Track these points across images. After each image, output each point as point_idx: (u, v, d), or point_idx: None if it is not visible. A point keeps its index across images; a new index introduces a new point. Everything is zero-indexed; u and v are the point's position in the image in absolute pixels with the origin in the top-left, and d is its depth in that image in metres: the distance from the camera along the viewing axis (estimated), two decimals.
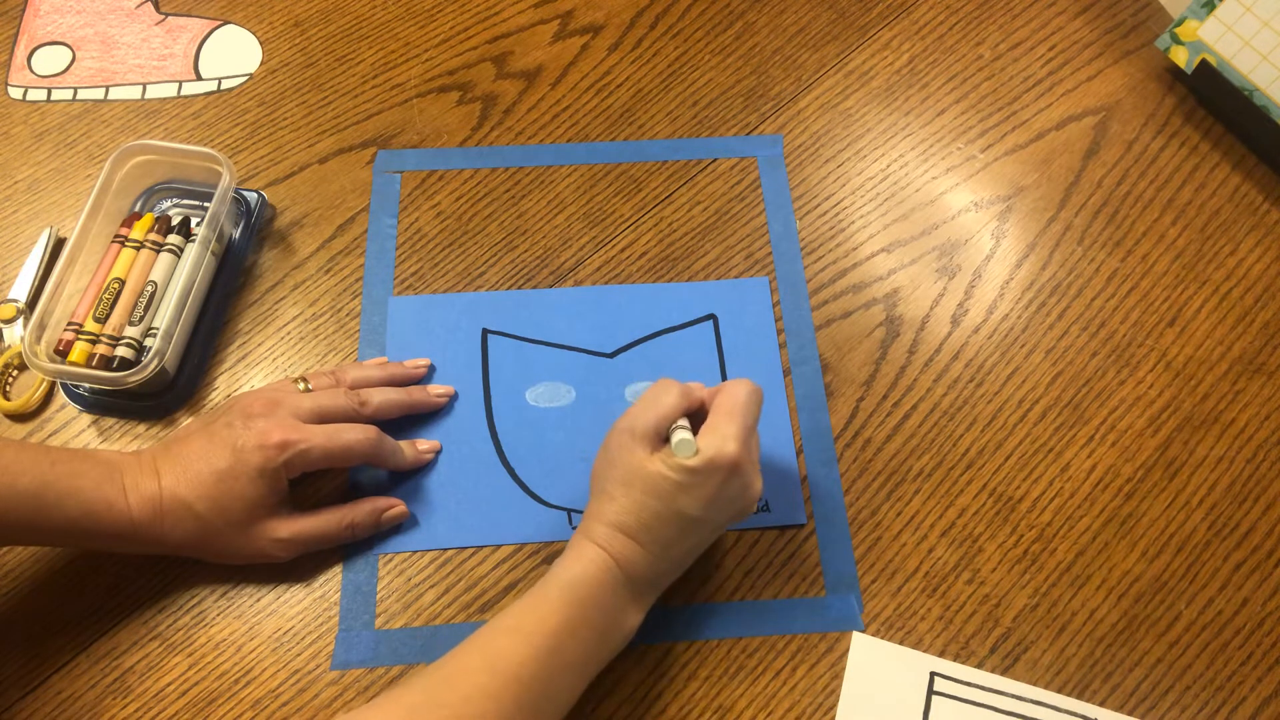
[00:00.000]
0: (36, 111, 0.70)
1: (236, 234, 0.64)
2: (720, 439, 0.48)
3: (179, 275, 0.60)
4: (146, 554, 0.53)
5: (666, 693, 0.53)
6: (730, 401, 0.50)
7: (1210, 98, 0.72)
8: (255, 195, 0.65)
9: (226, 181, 0.60)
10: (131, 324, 0.59)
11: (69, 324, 0.58)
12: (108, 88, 0.71)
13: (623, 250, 0.66)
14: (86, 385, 0.59)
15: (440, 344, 0.62)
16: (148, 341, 0.59)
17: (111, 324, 0.58)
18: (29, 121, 0.70)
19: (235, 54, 0.73)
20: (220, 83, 0.72)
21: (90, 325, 0.58)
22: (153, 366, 0.55)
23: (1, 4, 0.75)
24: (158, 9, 0.75)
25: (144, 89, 0.71)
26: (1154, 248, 0.67)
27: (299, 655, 0.53)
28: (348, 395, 0.55)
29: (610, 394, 0.60)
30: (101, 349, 0.58)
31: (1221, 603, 0.56)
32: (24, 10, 0.75)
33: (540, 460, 0.58)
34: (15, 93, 0.71)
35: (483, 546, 0.56)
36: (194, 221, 0.63)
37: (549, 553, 0.56)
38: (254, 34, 0.74)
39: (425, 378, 0.60)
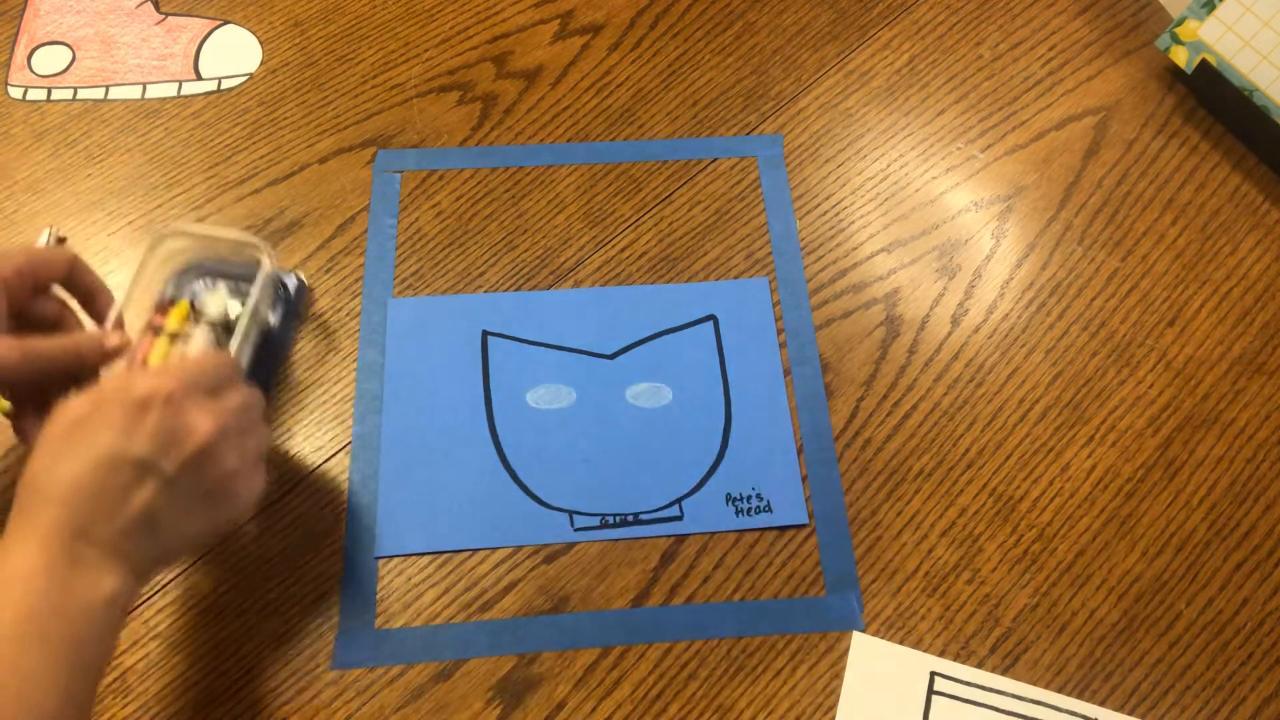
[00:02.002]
0: (36, 111, 0.70)
1: (274, 319, 0.59)
2: (153, 371, 0.45)
3: None
4: None
5: (666, 692, 0.53)
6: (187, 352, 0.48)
7: (1210, 98, 0.72)
8: (294, 279, 0.60)
9: (267, 268, 0.55)
10: None
11: None
12: (108, 87, 0.71)
13: (623, 250, 0.66)
14: None
15: (440, 346, 0.62)
16: None
17: None
18: (29, 121, 0.70)
19: (235, 54, 0.73)
20: (220, 82, 0.72)
21: None
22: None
23: (1, 4, 0.75)
24: (158, 9, 0.75)
25: (144, 89, 0.71)
26: (1154, 248, 0.67)
27: (299, 655, 0.53)
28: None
29: (611, 395, 0.60)
30: None
31: (1221, 603, 0.56)
32: (24, 10, 0.75)
33: (541, 462, 0.58)
34: (15, 92, 0.71)
35: (483, 547, 0.56)
36: (230, 307, 0.57)
37: (549, 553, 0.56)
38: (254, 34, 0.74)
39: (424, 374, 0.60)
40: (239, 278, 0.59)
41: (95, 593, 0.40)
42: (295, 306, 0.61)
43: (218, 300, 0.56)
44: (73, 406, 0.43)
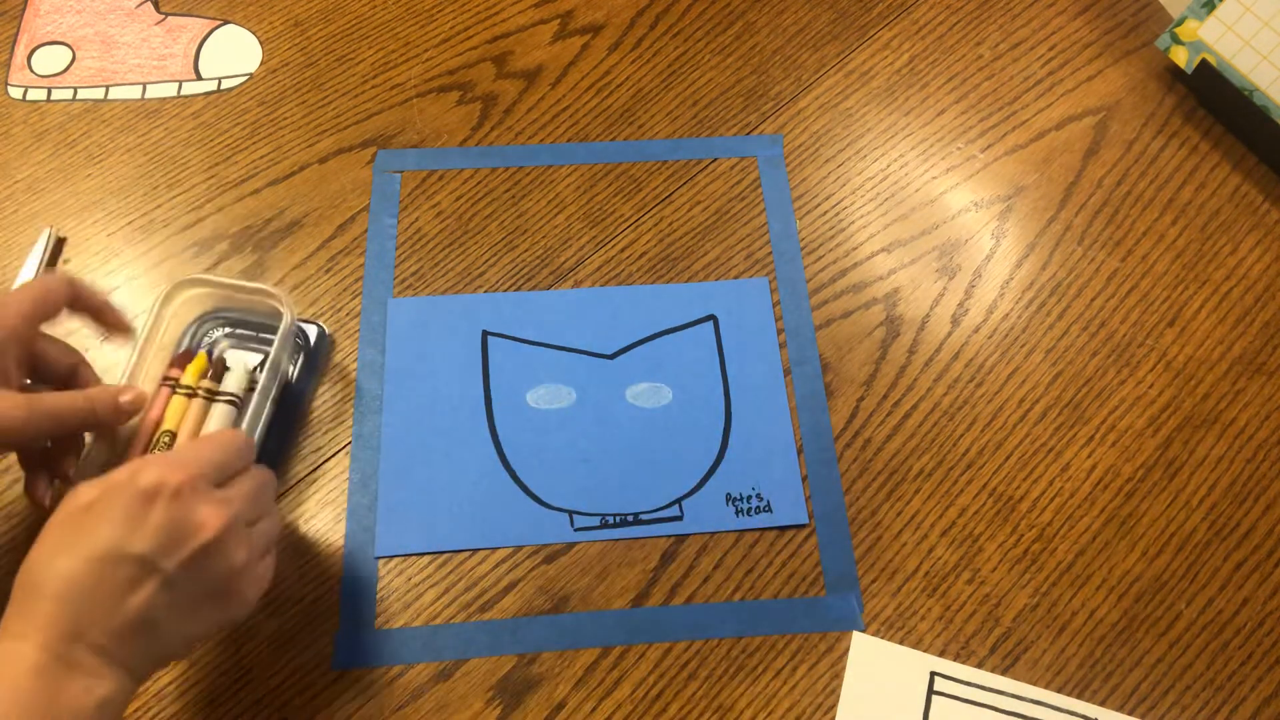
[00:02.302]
0: (36, 111, 0.70)
1: (294, 371, 0.59)
2: (163, 461, 0.42)
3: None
4: None
5: (666, 692, 0.53)
6: (200, 437, 0.46)
7: (1210, 98, 0.72)
8: (315, 329, 0.60)
9: (288, 322, 0.54)
10: None
11: None
12: (108, 87, 0.71)
13: (623, 250, 0.66)
14: None
15: (440, 346, 0.62)
16: None
17: None
18: (29, 121, 0.70)
19: (235, 54, 0.73)
20: (220, 82, 0.72)
21: None
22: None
23: (1, 4, 0.75)
24: (158, 9, 0.75)
25: (144, 89, 0.71)
26: (1154, 248, 0.67)
27: (299, 655, 0.53)
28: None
29: (611, 395, 0.60)
30: None
31: (1221, 602, 0.56)
32: (24, 10, 0.75)
33: (541, 462, 0.58)
34: (15, 93, 0.71)
35: (483, 547, 0.56)
36: (248, 362, 0.56)
37: (549, 553, 0.56)
38: (254, 34, 0.74)
39: (424, 374, 0.60)
40: (258, 327, 0.59)
41: (88, 699, 0.39)
42: (315, 359, 0.60)
43: (238, 366, 0.55)
44: (79, 495, 0.41)
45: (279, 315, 0.56)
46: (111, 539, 0.40)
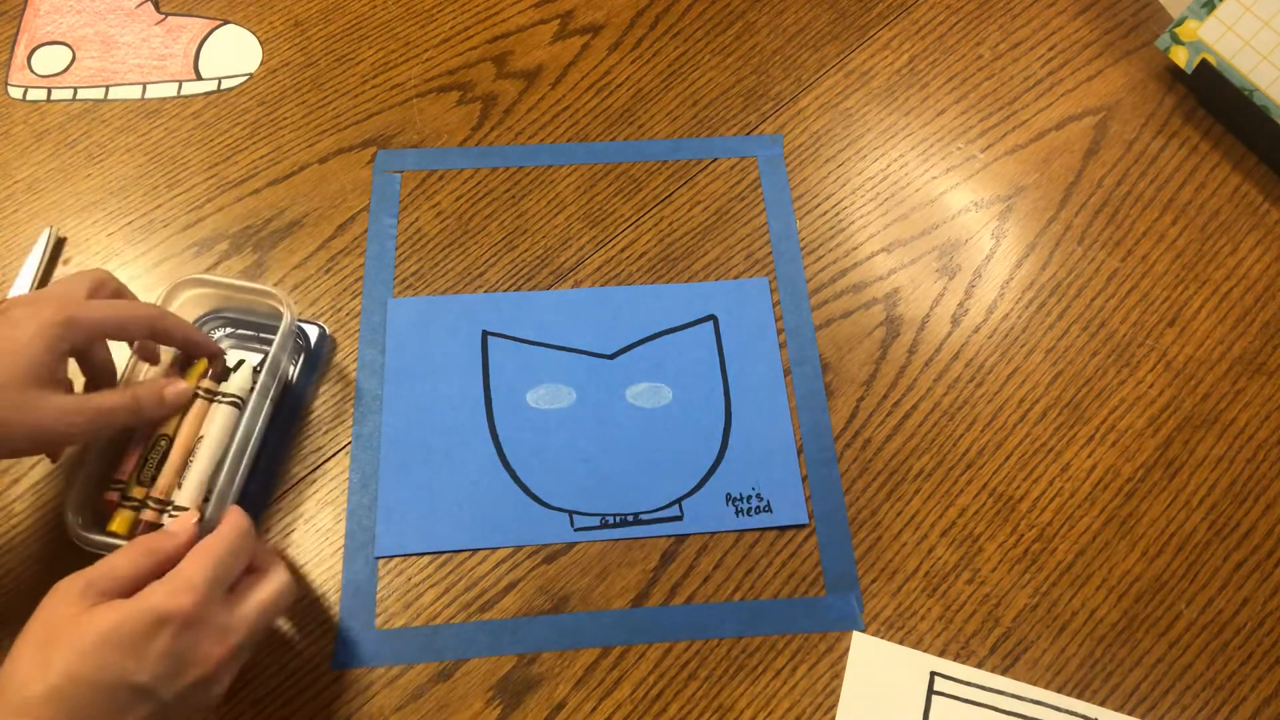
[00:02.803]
0: (36, 111, 0.70)
1: (294, 371, 0.59)
2: (173, 585, 0.42)
3: (236, 431, 0.53)
4: None
5: (666, 692, 0.53)
6: (206, 543, 0.44)
7: (1210, 98, 0.72)
8: (316, 329, 0.60)
9: (288, 322, 0.54)
10: (180, 487, 0.51)
11: (114, 482, 0.51)
12: (108, 87, 0.71)
13: (623, 250, 0.66)
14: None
15: (440, 346, 0.62)
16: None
17: (159, 486, 0.51)
18: (29, 121, 0.70)
19: (235, 54, 0.73)
20: (220, 82, 0.72)
21: (135, 489, 0.51)
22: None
23: (1, 4, 0.75)
24: (158, 9, 0.75)
25: (144, 89, 0.71)
26: (1154, 248, 0.67)
27: (299, 655, 0.53)
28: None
29: (611, 395, 0.60)
30: (148, 515, 0.51)
31: (1221, 603, 0.56)
32: (24, 10, 0.75)
33: (541, 462, 0.58)
34: (15, 92, 0.71)
35: (483, 547, 0.56)
36: (248, 361, 0.56)
37: (549, 553, 0.56)
38: (254, 34, 0.74)
39: (424, 374, 0.60)
40: (258, 326, 0.59)
41: None
42: (315, 359, 0.60)
43: (243, 369, 0.55)
44: (96, 616, 0.40)
45: (279, 315, 0.56)
46: (116, 668, 0.39)
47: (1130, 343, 0.63)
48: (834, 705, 0.52)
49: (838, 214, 0.67)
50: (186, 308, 0.58)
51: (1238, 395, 0.62)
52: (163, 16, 0.75)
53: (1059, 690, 0.53)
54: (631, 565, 0.56)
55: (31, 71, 0.72)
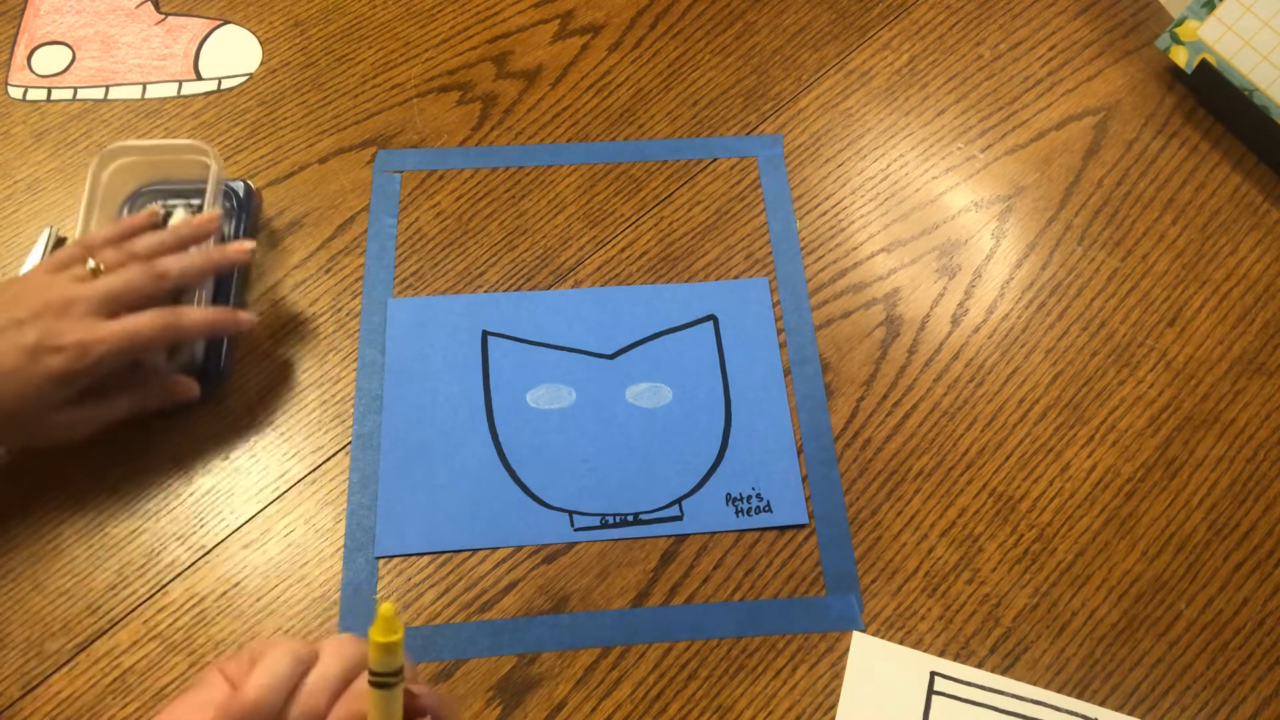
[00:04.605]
0: (36, 111, 0.70)
1: (230, 229, 0.63)
2: None
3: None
4: None
5: (666, 692, 0.53)
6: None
7: (1210, 98, 0.72)
8: (242, 184, 0.64)
9: (215, 169, 0.60)
10: None
11: None
12: (108, 87, 0.71)
13: (623, 250, 0.66)
14: None
15: (440, 346, 0.62)
16: None
17: None
18: (29, 121, 0.70)
19: (235, 54, 0.73)
20: (220, 83, 0.72)
21: None
22: (185, 358, 0.56)
23: (1, 4, 0.75)
24: (158, 9, 0.75)
25: (144, 89, 0.71)
26: (1154, 248, 0.67)
27: None
28: (145, 270, 0.52)
29: (611, 395, 0.60)
30: None
31: (1221, 603, 0.56)
32: (24, 10, 0.75)
33: (541, 462, 0.58)
34: (15, 93, 0.71)
35: (483, 547, 0.56)
36: (187, 213, 0.61)
37: (549, 553, 0.56)
38: (254, 34, 0.74)
39: (424, 374, 0.60)
40: (191, 194, 0.64)
41: None
42: (247, 214, 0.64)
43: (177, 214, 0.61)
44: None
45: (207, 177, 0.60)
46: None
47: (1130, 343, 0.63)
48: (834, 705, 0.52)
49: (838, 214, 0.67)
50: (119, 179, 0.62)
51: (1238, 395, 0.62)
52: (163, 16, 0.75)
53: (1059, 690, 0.53)
54: (631, 565, 0.56)
55: (31, 71, 0.72)
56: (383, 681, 0.35)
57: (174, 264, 0.53)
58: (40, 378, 0.48)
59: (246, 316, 0.57)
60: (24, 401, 0.49)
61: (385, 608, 0.33)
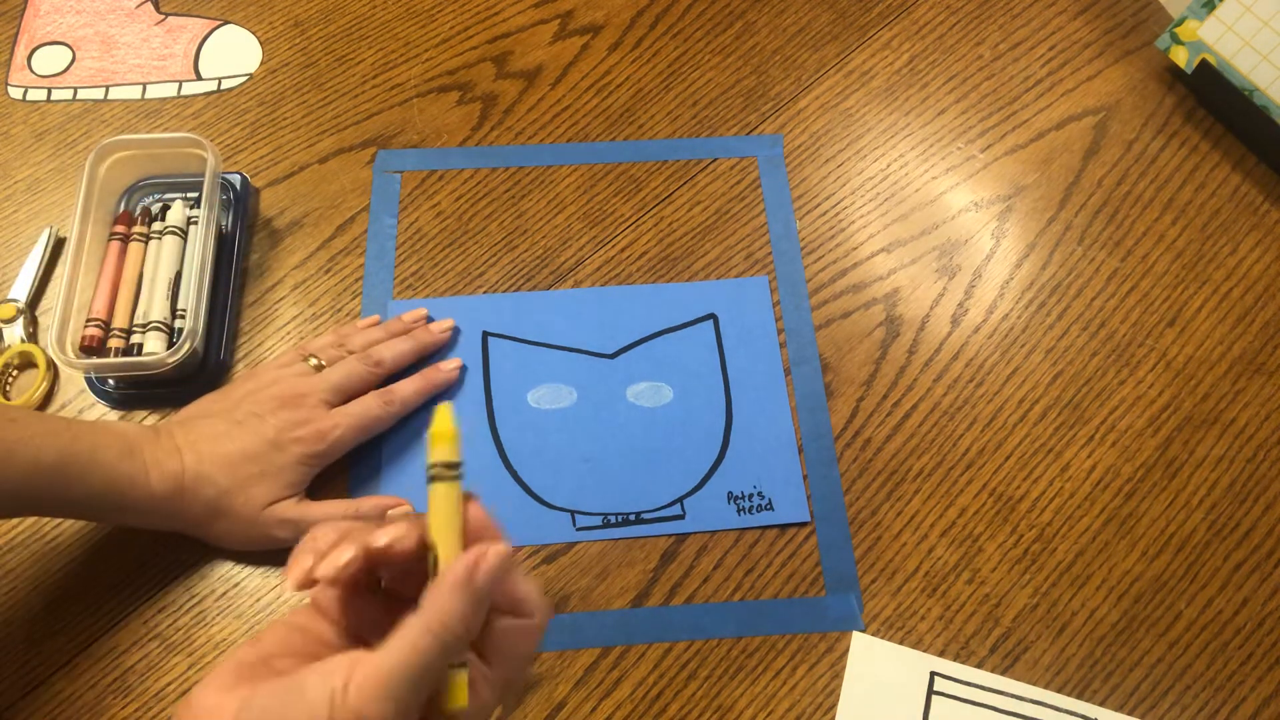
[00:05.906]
0: (36, 111, 0.70)
1: (228, 221, 0.64)
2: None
3: (191, 256, 0.61)
4: (155, 529, 0.53)
5: (666, 692, 0.53)
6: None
7: (1210, 98, 0.72)
8: (238, 176, 0.65)
9: (212, 161, 0.60)
10: (153, 318, 0.60)
11: (90, 320, 0.59)
12: (108, 87, 0.71)
13: (623, 250, 0.66)
14: (114, 378, 0.59)
15: (440, 347, 0.62)
16: (177, 324, 0.60)
17: (140, 315, 0.60)
18: (29, 121, 0.70)
19: (235, 54, 0.73)
20: (220, 83, 0.72)
21: (118, 321, 0.59)
22: (188, 347, 0.56)
23: (1, 4, 0.75)
24: (158, 9, 0.75)
25: (144, 89, 0.71)
26: (1154, 248, 0.67)
27: None
28: (361, 361, 0.57)
29: (611, 395, 0.60)
30: (135, 338, 0.59)
31: (1221, 603, 0.56)
32: (24, 10, 0.75)
33: (542, 462, 0.58)
34: (15, 93, 0.71)
35: None
36: (184, 206, 0.63)
37: (549, 553, 0.56)
38: (254, 34, 0.74)
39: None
40: (187, 188, 0.65)
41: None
42: (244, 206, 0.65)
43: (175, 207, 0.63)
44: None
45: (204, 170, 0.61)
46: None
47: (1130, 343, 0.63)
48: (834, 705, 0.52)
49: (838, 214, 0.67)
50: (116, 173, 0.63)
51: (1238, 395, 0.62)
52: (163, 17, 0.75)
53: (1059, 690, 0.53)
54: (632, 565, 0.56)
55: (31, 71, 0.72)
56: (440, 474, 0.35)
57: (387, 352, 0.58)
58: (285, 465, 0.52)
59: (449, 366, 0.60)
60: (260, 487, 0.52)
61: (443, 406, 0.36)
